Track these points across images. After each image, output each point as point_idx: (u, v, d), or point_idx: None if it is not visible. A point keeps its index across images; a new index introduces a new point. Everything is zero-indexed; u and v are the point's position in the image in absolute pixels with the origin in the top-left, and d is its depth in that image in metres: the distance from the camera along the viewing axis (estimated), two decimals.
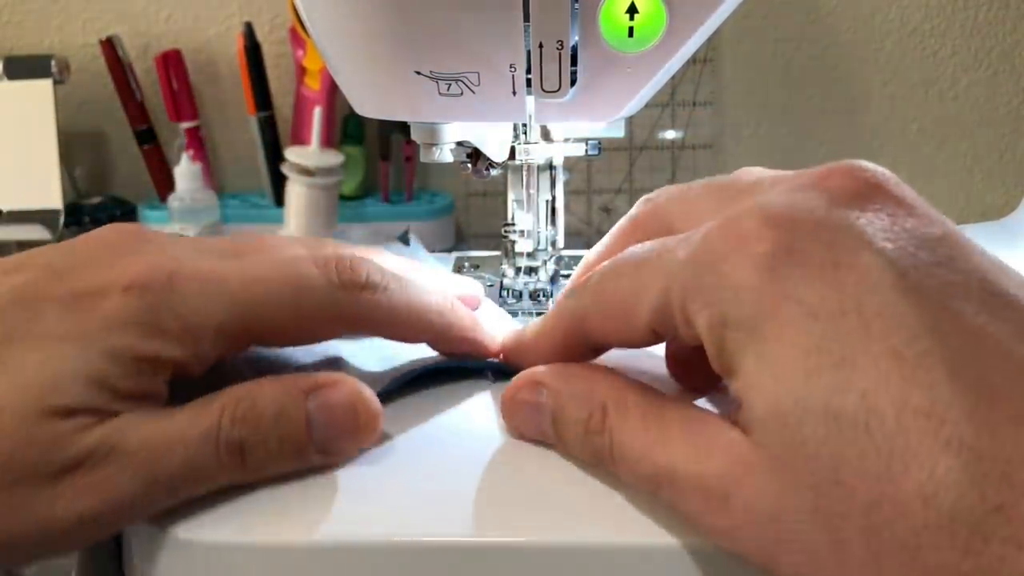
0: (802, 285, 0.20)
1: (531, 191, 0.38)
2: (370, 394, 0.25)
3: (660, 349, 0.29)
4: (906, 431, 0.17)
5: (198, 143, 0.71)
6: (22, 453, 0.22)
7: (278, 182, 0.68)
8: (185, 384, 0.25)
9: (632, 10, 0.30)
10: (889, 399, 0.18)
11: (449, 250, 0.56)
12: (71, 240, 0.26)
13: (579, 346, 0.27)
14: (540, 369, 0.26)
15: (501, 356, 0.30)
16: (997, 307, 0.19)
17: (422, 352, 0.30)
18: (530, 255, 0.39)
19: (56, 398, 0.22)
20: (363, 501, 0.24)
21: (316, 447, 0.25)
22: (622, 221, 0.29)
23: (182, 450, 0.23)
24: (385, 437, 0.27)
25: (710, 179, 0.26)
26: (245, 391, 0.24)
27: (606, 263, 0.25)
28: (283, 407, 0.24)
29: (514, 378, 0.26)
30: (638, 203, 0.29)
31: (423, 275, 0.32)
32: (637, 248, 0.24)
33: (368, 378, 0.27)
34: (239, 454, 0.24)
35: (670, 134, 0.72)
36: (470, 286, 0.34)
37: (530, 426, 0.26)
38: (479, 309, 0.34)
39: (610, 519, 0.23)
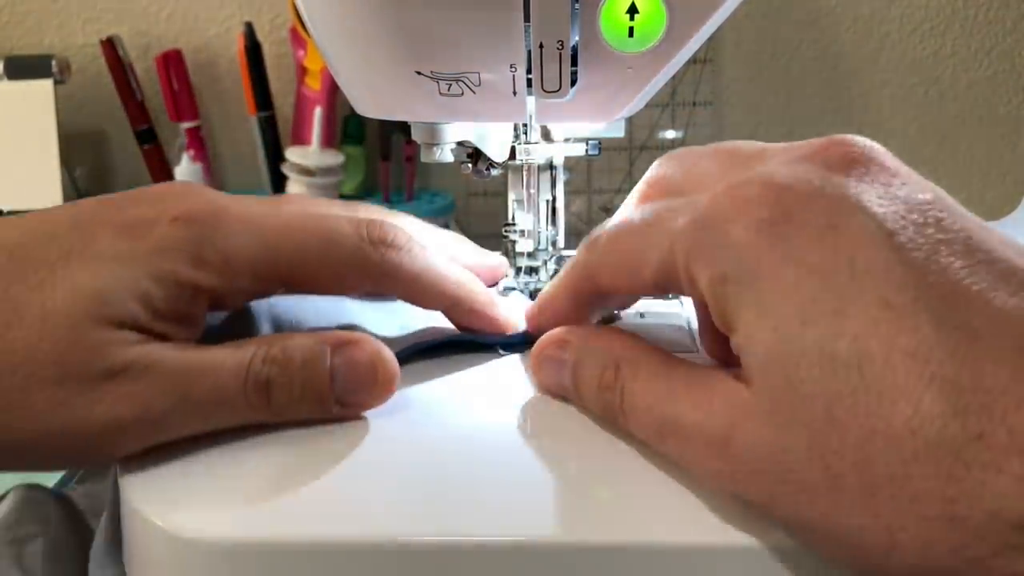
0: (799, 245, 0.21)
1: (531, 191, 0.38)
2: (389, 355, 0.27)
3: None
4: (894, 370, 0.19)
5: (199, 143, 0.71)
6: (71, 355, 0.24)
7: (278, 182, 0.68)
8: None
9: (632, 10, 0.30)
10: (879, 342, 0.19)
11: None
12: (134, 190, 0.29)
13: (590, 296, 0.28)
14: (566, 328, 0.28)
15: (524, 325, 0.32)
16: (980, 261, 0.20)
17: (438, 323, 0.32)
18: (530, 255, 0.39)
19: (104, 309, 0.24)
20: (365, 500, 0.24)
21: (336, 398, 0.27)
22: (639, 185, 0.30)
23: (213, 378, 0.25)
24: (389, 436, 0.27)
25: (719, 144, 0.28)
26: (278, 338, 0.27)
27: (618, 220, 0.27)
28: (312, 355, 0.26)
29: (542, 336, 0.28)
30: (653, 165, 0.29)
31: (451, 245, 0.34)
32: (647, 207, 0.26)
33: (385, 342, 0.28)
34: (265, 392, 0.26)
35: (670, 134, 0.72)
36: (496, 258, 0.36)
37: (552, 381, 0.28)
38: (508, 296, 0.36)
39: (610, 518, 0.23)
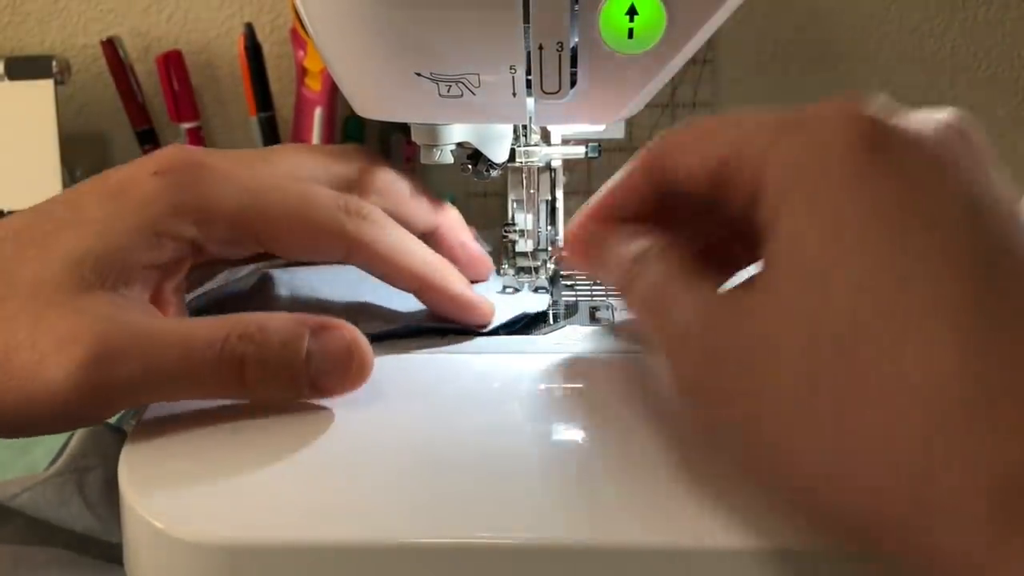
0: (886, 175, 0.21)
1: (531, 191, 0.38)
2: (366, 345, 0.28)
3: None
4: (926, 321, 0.19)
5: (199, 143, 0.71)
6: (50, 319, 0.25)
7: None
8: None
9: (632, 12, 0.30)
10: (924, 288, 0.19)
11: None
12: None
13: (660, 173, 0.27)
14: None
15: (495, 318, 0.33)
16: None
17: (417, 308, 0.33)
18: (531, 255, 0.39)
19: (87, 271, 0.26)
20: (364, 501, 0.24)
21: (309, 380, 0.27)
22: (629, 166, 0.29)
23: (184, 349, 0.26)
24: (389, 436, 0.27)
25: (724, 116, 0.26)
26: (257, 317, 0.27)
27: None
28: (291, 337, 0.27)
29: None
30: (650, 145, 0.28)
31: (446, 222, 0.36)
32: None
33: (390, 320, 0.31)
34: (239, 369, 0.26)
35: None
36: (480, 251, 0.37)
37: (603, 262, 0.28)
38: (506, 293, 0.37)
39: (611, 519, 0.23)
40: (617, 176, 0.28)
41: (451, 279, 0.32)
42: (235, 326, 0.27)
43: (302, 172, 0.32)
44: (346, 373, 0.27)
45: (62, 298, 0.26)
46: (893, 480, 0.18)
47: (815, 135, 0.22)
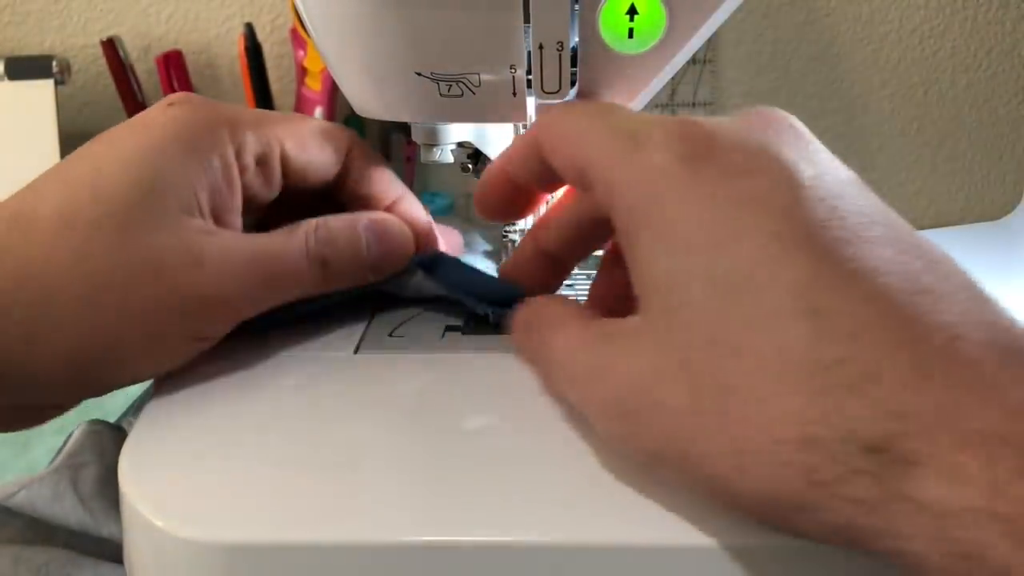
0: (709, 180, 0.22)
1: None
2: (403, 227, 0.33)
3: None
4: (772, 298, 0.20)
5: None
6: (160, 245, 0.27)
7: None
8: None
9: (632, 11, 0.30)
10: (763, 271, 0.20)
11: None
12: None
13: (536, 164, 0.28)
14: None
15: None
16: (881, 222, 0.21)
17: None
18: None
19: (157, 199, 0.27)
20: (365, 501, 0.24)
21: (370, 266, 0.32)
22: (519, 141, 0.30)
23: (285, 258, 0.29)
24: (389, 436, 0.27)
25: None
26: (319, 221, 0.31)
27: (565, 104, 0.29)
28: (351, 234, 0.31)
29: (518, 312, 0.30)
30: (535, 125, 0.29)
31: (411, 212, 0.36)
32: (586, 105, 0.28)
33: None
34: (323, 267, 0.30)
35: None
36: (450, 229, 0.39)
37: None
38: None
39: (612, 519, 0.23)
40: (512, 146, 0.30)
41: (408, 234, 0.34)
42: (308, 231, 0.30)
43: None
44: (394, 254, 0.32)
45: (155, 223, 0.27)
46: (782, 463, 0.19)
47: (647, 158, 0.23)
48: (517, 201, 0.31)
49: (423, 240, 0.34)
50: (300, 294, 0.30)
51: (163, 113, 0.29)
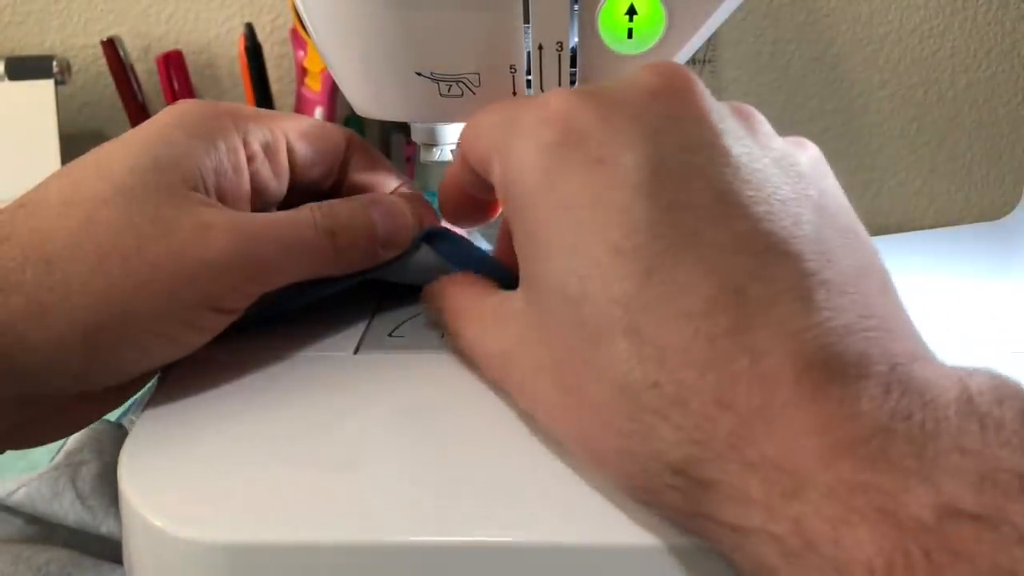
0: (566, 177, 0.22)
1: None
2: (406, 207, 0.32)
3: None
4: (603, 315, 0.20)
5: None
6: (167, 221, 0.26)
7: None
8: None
9: (631, 11, 0.30)
10: (596, 285, 0.21)
11: None
12: None
13: (468, 171, 0.28)
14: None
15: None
16: (724, 217, 0.21)
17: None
18: None
19: (167, 178, 0.27)
20: (365, 501, 0.24)
21: (381, 242, 0.31)
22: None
23: (291, 229, 0.28)
24: (389, 437, 0.27)
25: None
26: (321, 203, 0.30)
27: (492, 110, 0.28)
28: (357, 210, 0.31)
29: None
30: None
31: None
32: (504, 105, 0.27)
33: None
34: (332, 239, 0.29)
35: None
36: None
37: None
38: None
39: (614, 519, 0.23)
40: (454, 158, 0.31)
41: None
42: (312, 208, 0.30)
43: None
44: (402, 229, 0.32)
45: (161, 195, 0.26)
46: (615, 465, 0.21)
47: (517, 147, 0.23)
48: (474, 207, 0.31)
49: (426, 218, 0.34)
50: (312, 270, 0.30)
51: (166, 112, 0.30)
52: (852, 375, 0.18)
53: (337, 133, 0.33)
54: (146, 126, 0.29)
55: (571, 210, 0.22)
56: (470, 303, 0.28)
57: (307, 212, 0.30)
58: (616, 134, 0.22)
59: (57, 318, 0.25)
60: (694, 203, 0.21)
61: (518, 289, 0.25)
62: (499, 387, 0.26)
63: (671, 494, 0.20)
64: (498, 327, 0.26)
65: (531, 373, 0.23)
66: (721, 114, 0.23)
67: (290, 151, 0.32)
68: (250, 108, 0.31)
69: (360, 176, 0.34)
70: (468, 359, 0.28)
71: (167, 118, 0.29)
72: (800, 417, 0.18)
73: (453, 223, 0.33)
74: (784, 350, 0.19)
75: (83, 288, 0.25)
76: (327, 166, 0.33)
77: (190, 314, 0.27)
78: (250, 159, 0.30)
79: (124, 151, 0.28)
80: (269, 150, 0.31)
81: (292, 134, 0.32)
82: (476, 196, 0.30)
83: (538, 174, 0.23)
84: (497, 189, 0.25)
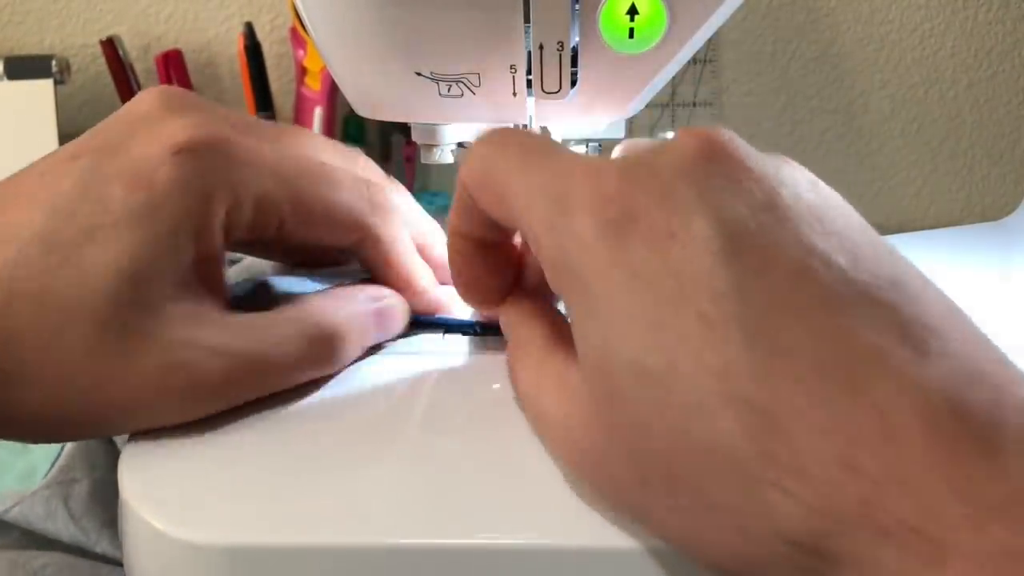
0: (635, 253, 0.21)
1: None
2: (407, 309, 0.32)
3: None
4: (698, 388, 0.19)
5: None
6: (114, 342, 0.25)
7: None
8: None
9: (632, 11, 0.30)
10: (687, 358, 0.19)
11: None
12: (123, 108, 0.29)
13: (477, 213, 0.27)
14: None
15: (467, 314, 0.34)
16: (809, 271, 0.20)
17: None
18: None
19: (141, 287, 0.25)
20: (365, 503, 0.24)
21: (369, 341, 0.31)
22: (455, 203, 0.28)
23: (277, 336, 0.27)
24: (389, 438, 0.27)
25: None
26: (316, 306, 0.29)
27: (490, 137, 0.26)
28: (360, 330, 0.30)
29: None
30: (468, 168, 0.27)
31: (429, 233, 0.36)
32: (518, 141, 0.25)
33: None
34: (331, 346, 0.29)
35: (670, 134, 0.72)
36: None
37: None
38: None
39: (612, 519, 0.23)
40: (452, 208, 0.28)
41: (431, 282, 0.34)
42: (299, 319, 0.28)
43: (323, 156, 0.31)
44: (394, 329, 0.32)
45: (150, 324, 0.25)
46: (721, 544, 0.19)
47: (570, 225, 0.22)
48: (493, 260, 0.29)
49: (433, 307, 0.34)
50: (298, 379, 0.29)
51: (169, 168, 0.26)
52: (987, 425, 0.17)
53: (353, 222, 0.31)
54: (151, 186, 0.26)
55: (652, 286, 0.20)
56: (527, 344, 0.26)
57: (292, 329, 0.28)
58: (681, 205, 0.21)
59: (22, 400, 0.25)
60: (776, 262, 0.20)
61: (577, 366, 0.23)
62: (553, 452, 0.25)
63: (787, 567, 0.18)
64: (556, 391, 0.24)
65: (598, 457, 0.22)
66: (774, 166, 0.23)
67: (283, 231, 0.29)
68: (260, 165, 0.28)
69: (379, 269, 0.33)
70: (521, 400, 0.27)
71: (166, 186, 0.26)
72: (937, 477, 0.17)
73: (476, 298, 0.30)
74: (909, 404, 0.18)
75: (50, 392, 0.25)
76: (320, 238, 0.31)
77: (165, 416, 0.27)
78: (229, 236, 0.28)
79: (109, 249, 0.25)
80: (250, 232, 0.29)
81: (292, 219, 0.29)
82: (486, 237, 0.28)
83: (604, 251, 0.21)
84: (544, 264, 0.24)
